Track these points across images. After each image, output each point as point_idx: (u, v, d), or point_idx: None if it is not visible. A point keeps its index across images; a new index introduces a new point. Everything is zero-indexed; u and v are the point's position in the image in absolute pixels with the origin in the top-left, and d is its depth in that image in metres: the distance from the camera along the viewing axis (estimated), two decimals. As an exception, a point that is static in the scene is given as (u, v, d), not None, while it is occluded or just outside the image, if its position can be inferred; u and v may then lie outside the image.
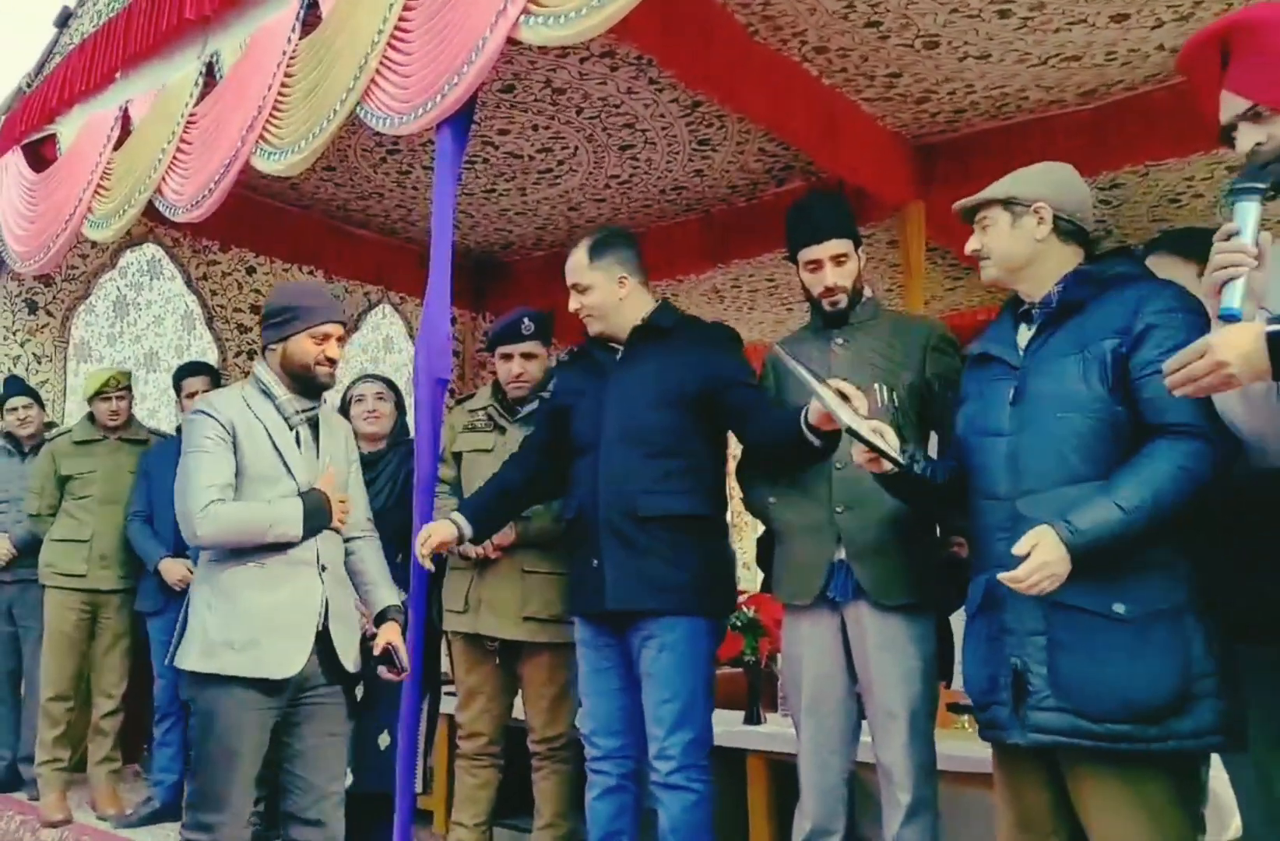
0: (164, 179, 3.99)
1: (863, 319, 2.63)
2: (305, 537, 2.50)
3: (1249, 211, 1.65)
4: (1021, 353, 2.10)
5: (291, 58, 3.55)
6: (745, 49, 3.77)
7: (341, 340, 2.67)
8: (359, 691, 3.30)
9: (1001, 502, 2.02)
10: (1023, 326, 2.15)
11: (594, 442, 2.67)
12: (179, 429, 4.68)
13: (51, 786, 4.07)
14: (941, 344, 2.59)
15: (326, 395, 2.76)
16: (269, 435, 2.55)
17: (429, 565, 2.77)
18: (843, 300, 2.61)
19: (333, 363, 2.63)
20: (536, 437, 2.93)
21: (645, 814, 2.73)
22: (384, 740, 3.34)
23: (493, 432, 3.23)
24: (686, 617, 2.56)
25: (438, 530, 2.74)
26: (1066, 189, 2.17)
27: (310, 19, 3.56)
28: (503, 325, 3.24)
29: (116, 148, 4.31)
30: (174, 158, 3.97)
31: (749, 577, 5.75)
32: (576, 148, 4.84)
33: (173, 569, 3.96)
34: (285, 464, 2.55)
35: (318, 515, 2.52)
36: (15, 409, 4.44)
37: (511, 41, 2.88)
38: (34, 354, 5.13)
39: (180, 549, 4.00)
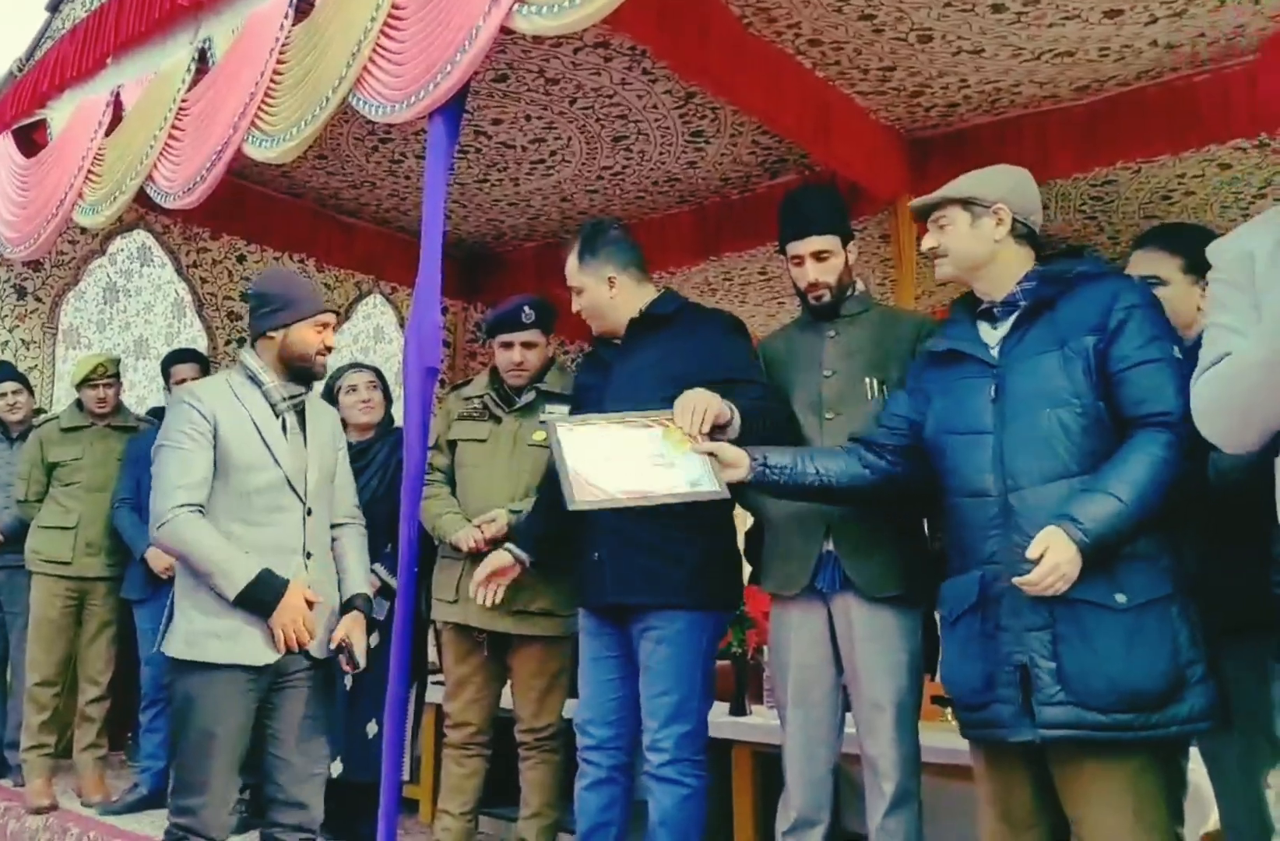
0: (155, 165, 3.97)
1: (854, 312, 2.64)
2: (237, 606, 2.42)
3: None
4: (994, 350, 2.12)
5: (284, 45, 3.54)
6: (739, 41, 3.77)
7: (334, 328, 2.68)
8: (348, 680, 3.32)
9: (991, 499, 2.03)
10: (984, 325, 2.19)
11: None
12: (155, 412, 4.69)
13: (37, 772, 4.07)
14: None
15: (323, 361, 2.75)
16: (254, 423, 2.54)
17: (490, 599, 2.84)
18: (826, 295, 2.62)
19: (329, 351, 2.65)
20: None
21: (637, 805, 2.74)
22: (372, 729, 3.35)
23: (488, 422, 3.22)
24: (686, 611, 2.57)
25: (494, 561, 2.80)
26: (1022, 192, 2.22)
27: (303, 6, 3.54)
28: (502, 312, 3.22)
29: (108, 134, 4.28)
30: (166, 144, 3.94)
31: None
32: (569, 138, 4.83)
33: (159, 557, 3.95)
34: (271, 452, 2.54)
35: (259, 601, 2.42)
36: (5, 394, 4.42)
37: (505, 31, 2.87)
38: (22, 340, 5.11)
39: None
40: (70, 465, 4.18)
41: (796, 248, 2.62)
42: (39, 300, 5.19)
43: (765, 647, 2.97)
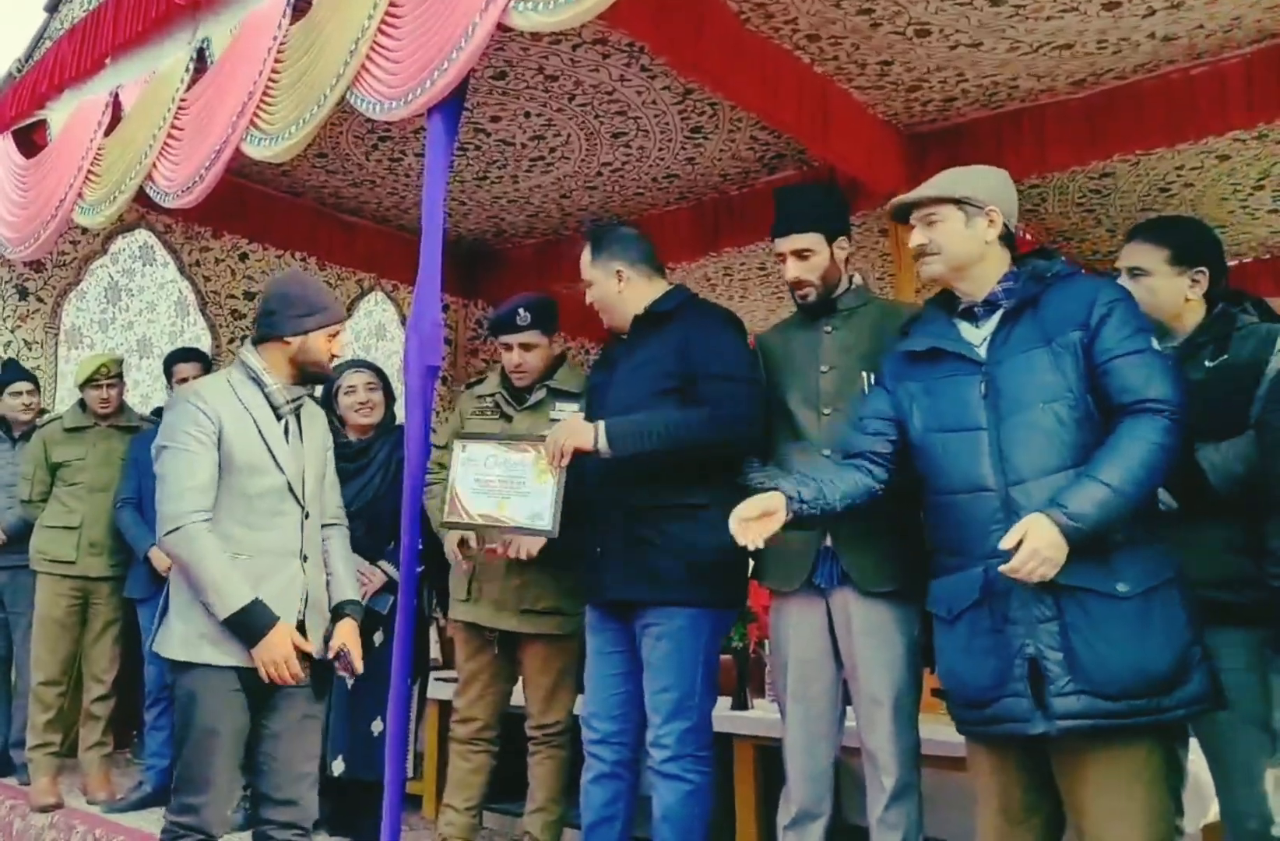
0: (155, 165, 3.98)
1: (851, 306, 2.64)
2: (225, 625, 2.39)
3: None
4: (980, 349, 2.14)
5: (282, 43, 3.54)
6: (737, 37, 3.77)
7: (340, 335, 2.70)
8: (350, 679, 3.34)
9: (991, 494, 2.04)
10: (964, 324, 2.21)
11: None
12: (158, 412, 4.69)
13: (42, 771, 4.08)
14: None
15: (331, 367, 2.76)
16: (257, 426, 2.54)
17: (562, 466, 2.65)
18: (811, 293, 2.63)
19: (334, 358, 2.68)
20: None
21: (642, 800, 2.75)
22: (377, 726, 3.36)
23: (499, 420, 3.22)
24: (687, 608, 2.57)
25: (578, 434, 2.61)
26: (1009, 195, 2.25)
27: (301, 4, 3.54)
28: (499, 315, 3.23)
29: (107, 134, 4.29)
30: (165, 144, 3.95)
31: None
32: (569, 135, 4.84)
33: (162, 556, 3.97)
34: (273, 456, 2.54)
35: (245, 628, 2.39)
36: (20, 394, 4.45)
37: (502, 27, 2.87)
38: (24, 340, 5.12)
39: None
40: (73, 465, 4.19)
41: (780, 245, 2.65)
42: (41, 300, 5.20)
43: (766, 642, 2.98)
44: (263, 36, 3.60)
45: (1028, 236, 5.65)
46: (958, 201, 2.18)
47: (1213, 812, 2.43)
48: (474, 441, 2.73)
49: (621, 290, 2.77)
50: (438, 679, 4.04)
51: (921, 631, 2.47)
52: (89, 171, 4.28)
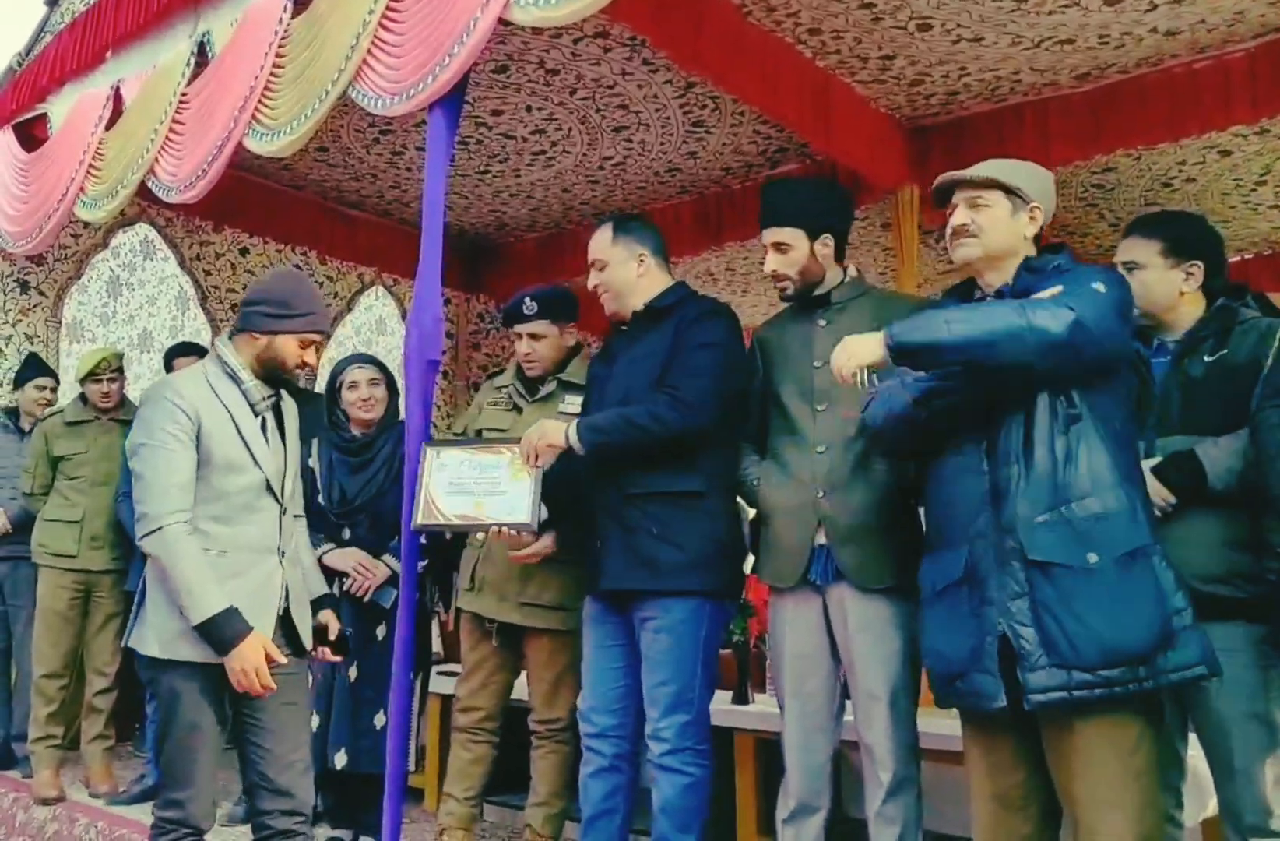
0: (157, 159, 3.98)
1: (846, 299, 2.63)
2: (197, 630, 2.35)
3: None
4: None
5: (283, 38, 3.54)
6: (739, 30, 3.77)
7: (320, 348, 2.66)
8: (353, 672, 3.35)
9: (982, 477, 2.04)
10: None
11: None
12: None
13: (45, 763, 4.09)
14: None
15: (299, 375, 2.75)
16: (234, 423, 2.50)
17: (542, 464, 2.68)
18: (789, 287, 2.63)
19: (305, 367, 2.61)
20: None
21: (642, 793, 2.75)
22: (379, 720, 3.36)
23: (511, 412, 3.23)
24: (684, 599, 2.57)
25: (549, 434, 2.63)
26: (1052, 198, 2.24)
27: (302, -2, 3.55)
28: (508, 305, 3.25)
29: (108, 128, 4.29)
30: (166, 138, 3.95)
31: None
32: (570, 129, 4.83)
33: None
34: (251, 453, 2.51)
35: (217, 635, 2.34)
36: (44, 389, 4.50)
37: (503, 21, 2.87)
38: (26, 334, 5.12)
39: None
40: (75, 459, 4.20)
41: (762, 237, 2.65)
42: (42, 294, 5.21)
43: (767, 636, 2.98)
44: (264, 30, 3.60)
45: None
46: (1009, 190, 2.16)
47: (1212, 806, 2.43)
48: (446, 447, 2.75)
49: (641, 275, 2.77)
50: (439, 673, 4.05)
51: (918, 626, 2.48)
52: (90, 166, 4.28)
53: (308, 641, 2.60)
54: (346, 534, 3.45)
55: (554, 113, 4.67)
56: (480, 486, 2.65)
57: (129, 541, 4.11)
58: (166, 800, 2.45)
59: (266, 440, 2.56)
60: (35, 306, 5.17)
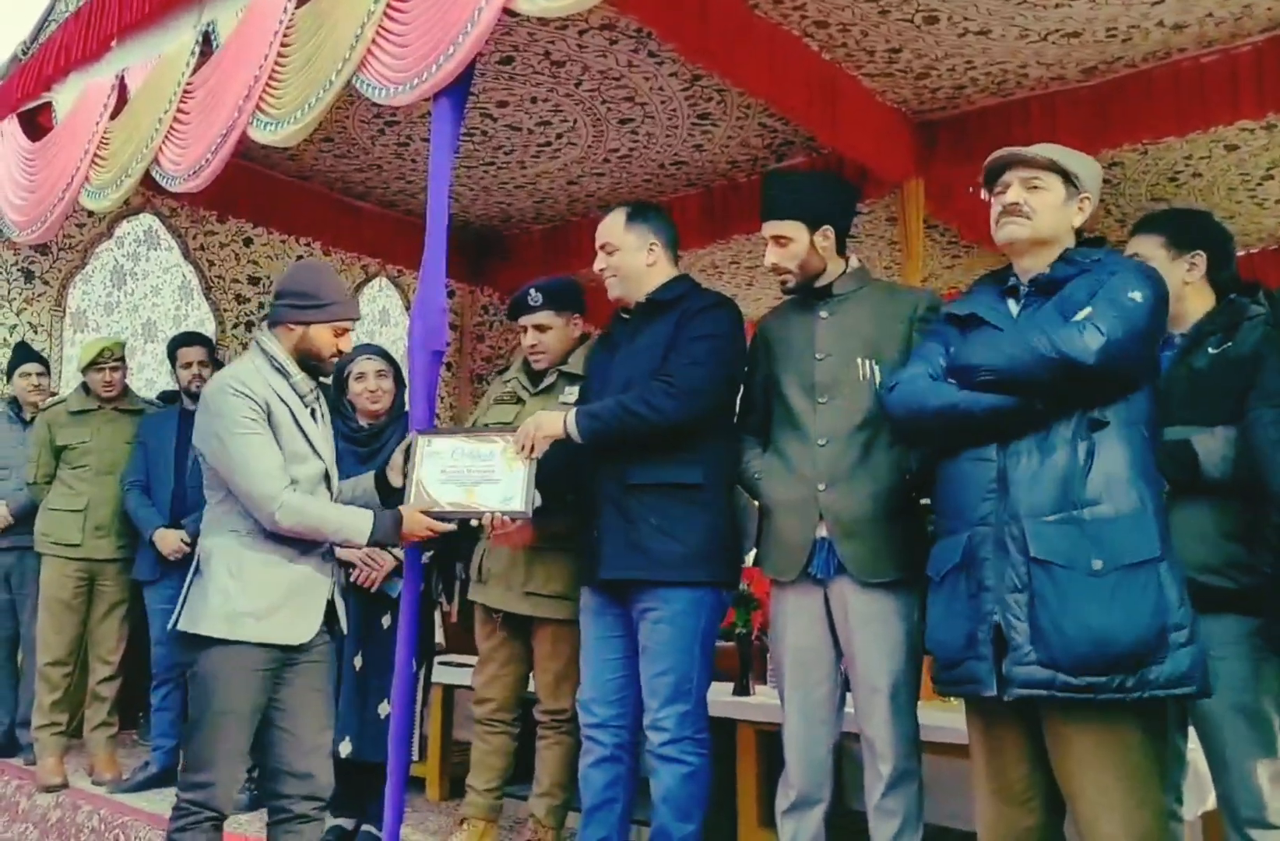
0: (161, 149, 3.97)
1: (849, 290, 2.63)
2: (370, 546, 2.64)
3: None
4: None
5: (288, 27, 3.53)
6: (745, 22, 3.76)
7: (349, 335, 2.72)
8: (358, 661, 3.35)
9: (990, 464, 2.04)
10: (1010, 302, 2.18)
11: None
12: (163, 396, 4.71)
13: (49, 751, 4.10)
14: (928, 314, 2.52)
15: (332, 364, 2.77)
16: (292, 414, 2.57)
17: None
18: (789, 280, 2.63)
19: (340, 355, 2.69)
20: None
21: (642, 783, 2.76)
22: (384, 709, 3.37)
23: (514, 404, 3.23)
24: (683, 589, 2.58)
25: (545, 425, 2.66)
26: (1099, 190, 2.24)
27: (307, -12, 3.54)
28: (514, 297, 3.25)
29: (113, 117, 4.28)
30: (171, 127, 3.95)
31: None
32: (576, 121, 4.83)
33: (167, 539, 3.99)
34: (310, 443, 2.58)
35: (386, 533, 2.56)
36: (30, 375, 4.48)
37: (508, 12, 2.86)
38: (30, 323, 5.13)
39: (176, 518, 4.02)
40: (78, 448, 4.21)
41: (763, 229, 2.64)
42: (46, 283, 5.21)
43: (768, 629, 2.99)
44: (268, 20, 3.59)
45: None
46: (1067, 176, 2.15)
47: (1211, 800, 2.44)
48: (438, 435, 2.75)
49: (651, 263, 2.78)
50: (442, 663, 4.06)
51: (921, 619, 2.48)
52: (95, 155, 4.28)
53: (345, 627, 2.68)
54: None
55: (560, 104, 4.66)
56: (473, 475, 2.66)
57: (134, 530, 4.13)
58: (191, 782, 2.45)
59: (320, 429, 2.64)
60: (40, 296, 5.17)
